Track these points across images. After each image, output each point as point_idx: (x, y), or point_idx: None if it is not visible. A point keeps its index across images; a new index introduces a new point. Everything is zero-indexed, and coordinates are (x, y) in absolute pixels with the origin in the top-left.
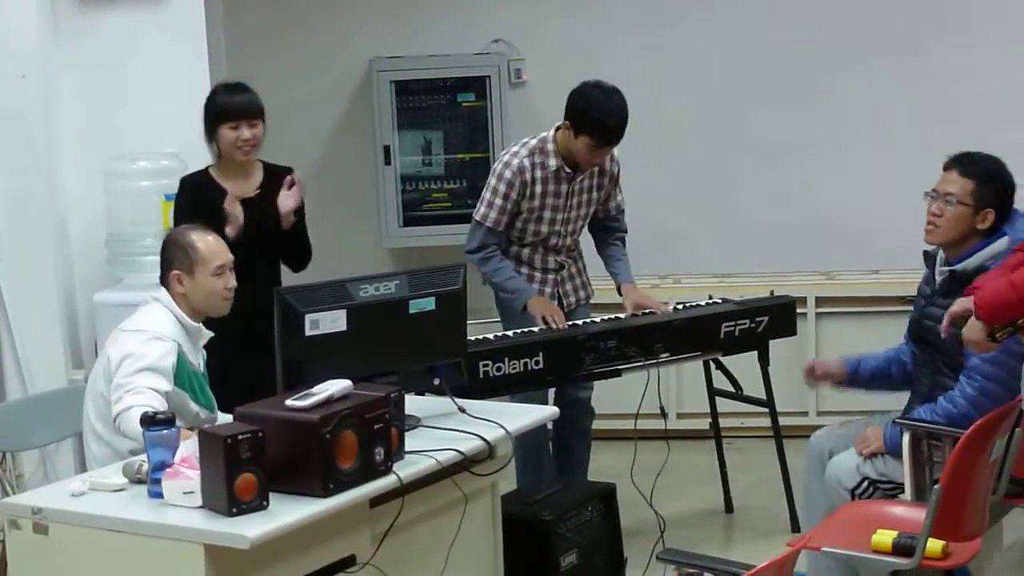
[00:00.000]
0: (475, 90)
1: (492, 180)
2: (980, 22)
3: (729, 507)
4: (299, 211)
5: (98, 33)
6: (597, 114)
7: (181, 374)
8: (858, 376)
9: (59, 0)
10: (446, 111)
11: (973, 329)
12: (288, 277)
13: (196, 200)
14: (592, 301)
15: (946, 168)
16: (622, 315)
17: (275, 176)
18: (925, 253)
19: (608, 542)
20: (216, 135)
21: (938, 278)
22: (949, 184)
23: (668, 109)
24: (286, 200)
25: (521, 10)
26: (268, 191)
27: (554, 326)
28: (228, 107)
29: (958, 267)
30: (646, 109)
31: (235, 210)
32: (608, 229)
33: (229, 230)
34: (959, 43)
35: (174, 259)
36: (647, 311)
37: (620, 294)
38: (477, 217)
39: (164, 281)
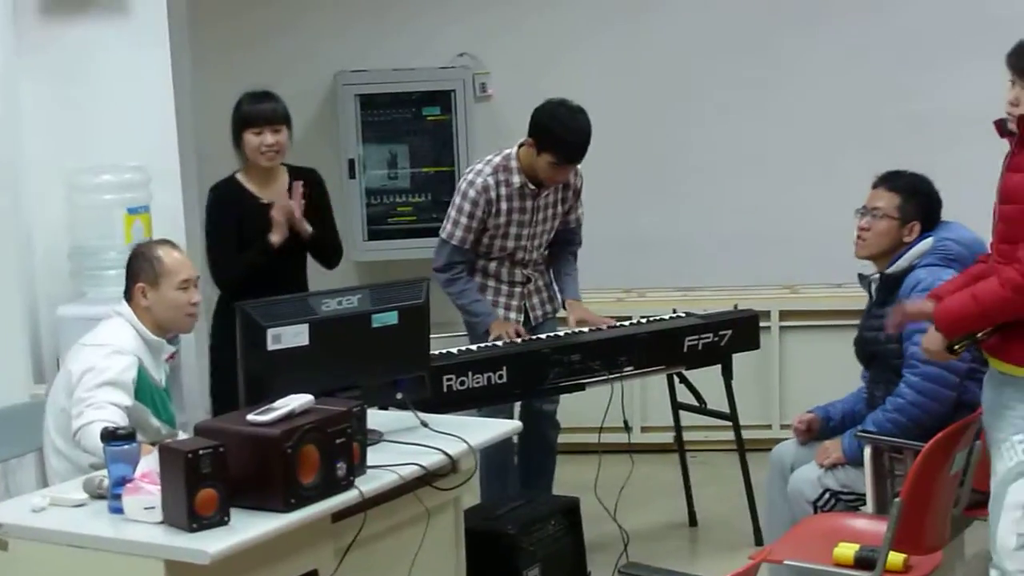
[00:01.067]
0: (440, 104)
1: (457, 199)
2: (932, 40)
3: (693, 520)
4: (321, 213)
5: (61, 45)
6: (560, 133)
7: (142, 389)
8: (831, 422)
9: (22, 11)
10: (411, 125)
11: (932, 340)
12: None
13: (228, 205)
14: (560, 315)
15: (874, 186)
16: (585, 328)
17: (300, 178)
18: (860, 276)
19: (571, 556)
20: (241, 141)
21: (873, 290)
22: (876, 200)
23: (634, 123)
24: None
25: (486, 24)
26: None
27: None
28: (252, 113)
29: (889, 270)
30: (612, 122)
31: (281, 217)
32: (564, 242)
33: (275, 236)
34: (925, 57)
35: (139, 272)
36: (591, 328)
37: (564, 308)
38: (443, 235)
39: (128, 294)
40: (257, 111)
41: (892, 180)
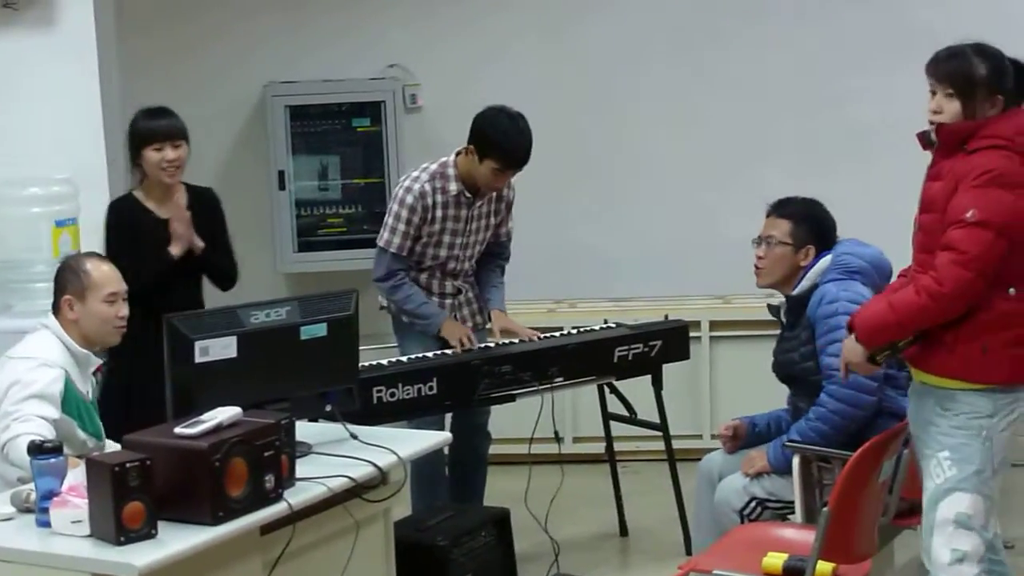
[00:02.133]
0: (370, 115)
1: (394, 206)
2: (871, 47)
3: (624, 531)
4: (217, 233)
5: None
6: (502, 139)
7: (69, 401)
8: (756, 428)
9: None
10: (341, 136)
11: (852, 351)
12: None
13: (126, 223)
14: (489, 326)
15: (767, 215)
16: (516, 339)
17: (198, 197)
18: (769, 307)
19: (502, 567)
20: (141, 158)
21: (783, 317)
22: (770, 228)
23: (563, 134)
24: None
25: (416, 35)
26: (192, 212)
27: (469, 347)
28: (152, 129)
29: (794, 292)
30: (542, 134)
31: (182, 229)
32: (493, 255)
33: (175, 249)
34: (855, 67)
35: (67, 284)
36: (516, 339)
37: (489, 319)
38: (381, 244)
39: (56, 307)
40: (157, 127)
41: (783, 207)
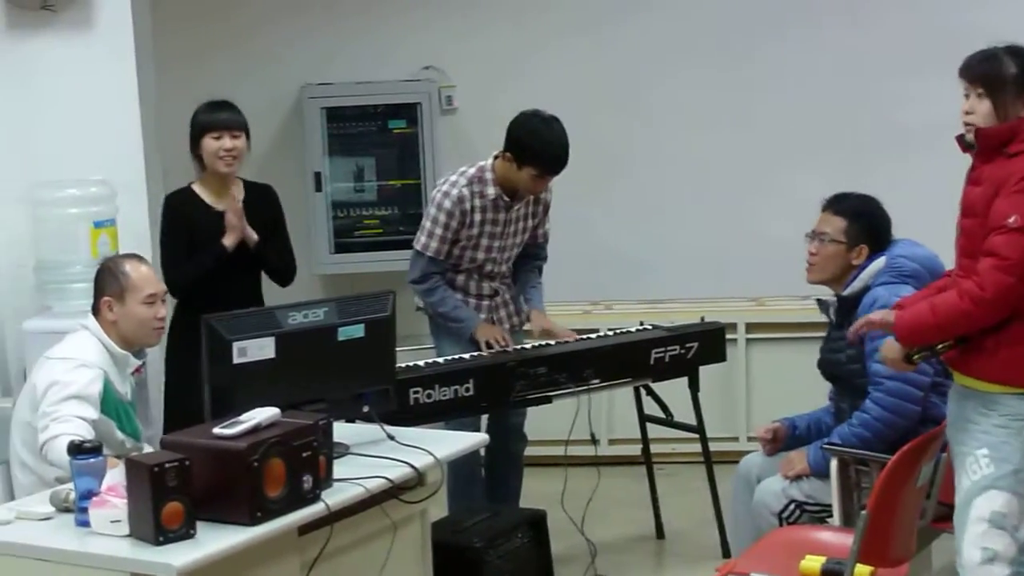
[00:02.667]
0: (406, 117)
1: (432, 210)
2: (912, 50)
3: (660, 533)
4: (275, 229)
5: (26, 59)
6: (540, 145)
7: (107, 402)
8: (796, 430)
9: None
10: (377, 137)
11: (890, 348)
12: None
13: (182, 214)
14: (526, 328)
15: (823, 209)
16: (552, 341)
17: (256, 192)
18: (819, 301)
19: (538, 569)
20: (200, 147)
21: (832, 314)
22: (824, 224)
23: (599, 135)
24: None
25: (452, 37)
26: (248, 207)
27: (505, 346)
28: (211, 119)
29: (845, 292)
30: (578, 136)
31: (235, 221)
32: (530, 256)
33: (228, 240)
34: (890, 69)
35: (106, 286)
36: (557, 340)
37: (529, 320)
38: (418, 247)
39: (95, 308)
40: (216, 117)
41: (838, 203)
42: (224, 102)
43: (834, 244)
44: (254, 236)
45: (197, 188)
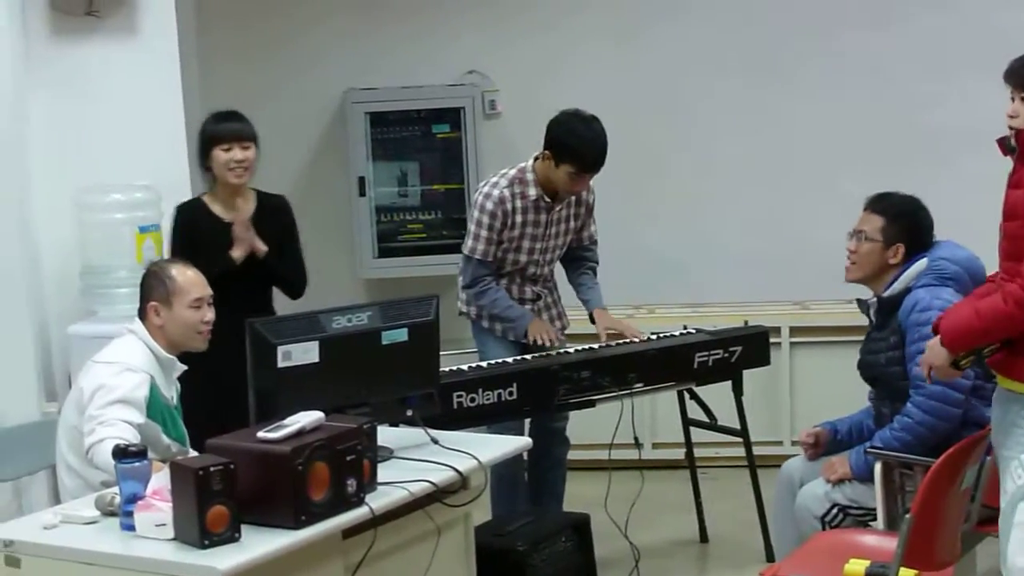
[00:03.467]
0: (449, 121)
1: (475, 213)
2: (951, 52)
3: (704, 537)
4: (287, 240)
5: (72, 64)
6: (577, 143)
7: (153, 406)
8: (839, 435)
9: (32, 32)
10: (421, 142)
11: (937, 355)
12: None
13: (191, 227)
14: (568, 332)
15: (864, 208)
16: (596, 345)
17: (269, 204)
18: (858, 301)
19: (582, 572)
20: (209, 158)
21: (872, 315)
22: (863, 222)
23: (642, 138)
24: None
25: (495, 42)
26: (260, 219)
27: (552, 344)
28: (220, 130)
29: (885, 294)
30: (620, 139)
31: (242, 232)
32: (581, 259)
33: (236, 252)
34: (929, 71)
35: (152, 290)
36: (621, 340)
37: (592, 321)
38: (466, 251)
39: (142, 313)
40: (225, 128)
41: (878, 202)
42: (232, 112)
43: (870, 242)
44: (263, 247)
45: (208, 199)
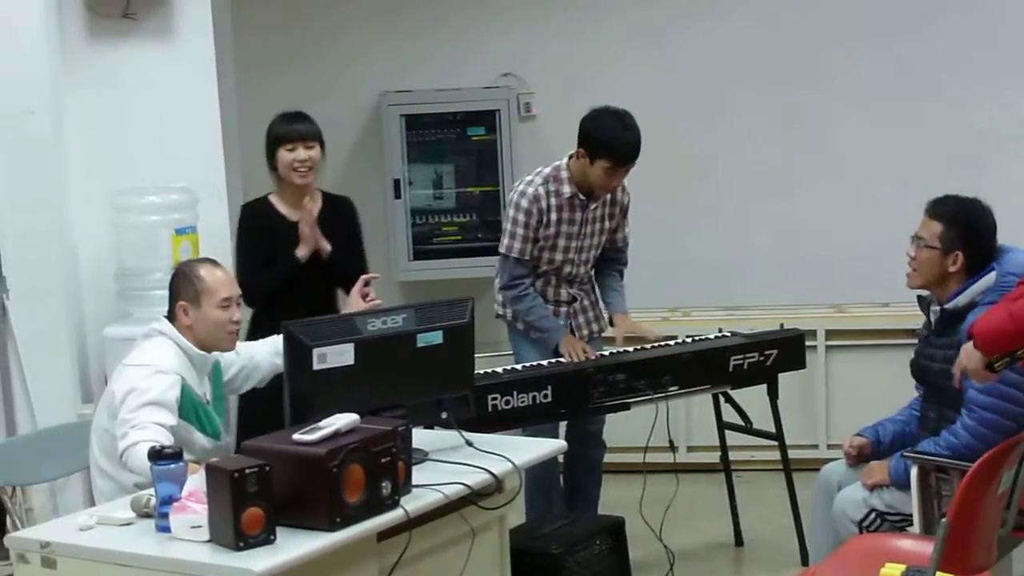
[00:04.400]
0: (485, 124)
1: (511, 211)
2: (981, 55)
3: (739, 540)
4: (351, 240)
5: (107, 65)
6: (611, 137)
7: (185, 406)
8: (881, 445)
9: (69, 34)
10: (456, 145)
11: (971, 358)
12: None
13: (257, 224)
14: (605, 334)
15: (924, 212)
16: (631, 348)
17: (334, 204)
18: (919, 298)
19: None
20: (275, 159)
21: (932, 319)
22: (923, 228)
23: (677, 141)
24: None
25: (530, 44)
26: (325, 218)
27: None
28: (285, 131)
29: (948, 306)
30: (656, 142)
31: (308, 231)
32: (610, 260)
33: (301, 251)
34: (964, 75)
35: (180, 290)
36: (641, 345)
37: (612, 324)
38: (502, 250)
39: (171, 313)
40: (290, 128)
41: (936, 207)
42: (298, 113)
43: (928, 249)
44: (327, 247)
45: (274, 199)
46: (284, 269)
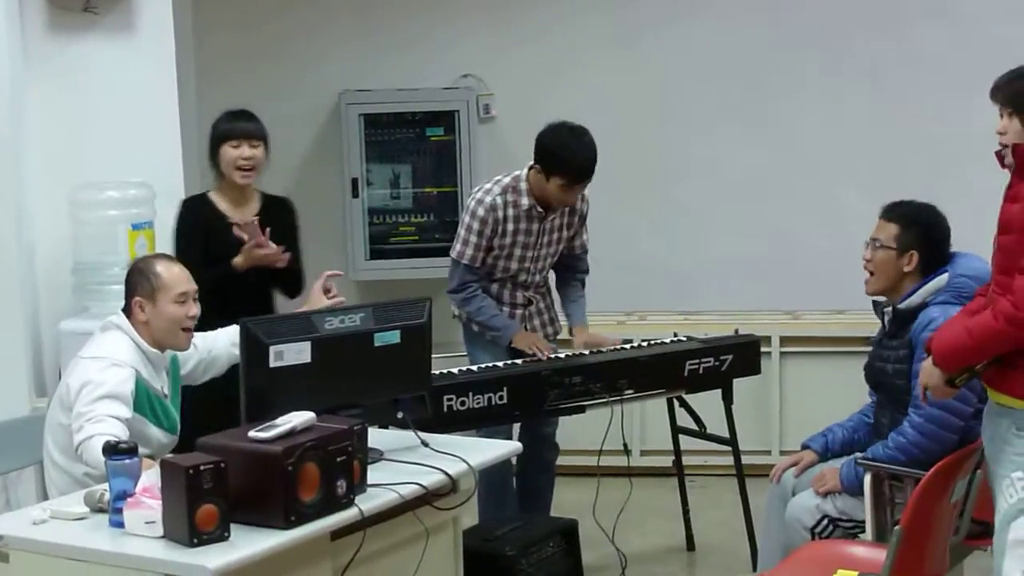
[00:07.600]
0: (444, 124)
1: (466, 218)
2: (952, 64)
3: (691, 545)
4: (289, 242)
5: (67, 61)
6: (567, 155)
7: (140, 400)
8: (830, 453)
9: (29, 27)
10: (415, 145)
11: (931, 375)
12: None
13: (195, 222)
14: (560, 337)
15: (879, 216)
16: (586, 351)
17: (273, 205)
18: (874, 303)
19: None
20: (218, 155)
21: (885, 320)
22: (879, 230)
23: (636, 145)
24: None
25: (490, 45)
26: (264, 219)
27: (541, 356)
28: (231, 128)
29: (901, 305)
30: (615, 145)
31: (253, 237)
32: (570, 268)
33: (239, 260)
34: (928, 82)
35: (137, 286)
36: (597, 348)
37: (571, 334)
38: (454, 255)
39: (127, 309)
40: (236, 126)
41: (892, 210)
42: (244, 111)
43: (884, 250)
44: (284, 258)
45: (214, 196)
46: (219, 273)
